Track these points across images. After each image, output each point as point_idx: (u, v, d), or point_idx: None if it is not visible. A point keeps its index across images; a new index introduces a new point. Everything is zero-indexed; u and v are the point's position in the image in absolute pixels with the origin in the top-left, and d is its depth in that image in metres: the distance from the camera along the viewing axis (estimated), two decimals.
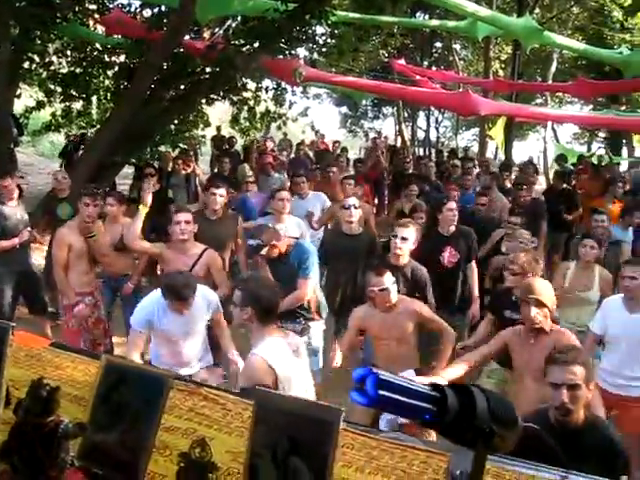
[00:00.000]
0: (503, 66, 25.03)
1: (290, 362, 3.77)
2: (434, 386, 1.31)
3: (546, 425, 3.09)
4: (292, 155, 16.07)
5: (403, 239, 5.76)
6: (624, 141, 24.08)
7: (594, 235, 6.91)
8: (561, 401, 3.04)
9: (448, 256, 6.74)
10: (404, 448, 1.79)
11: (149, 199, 5.97)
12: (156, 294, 4.81)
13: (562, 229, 10.02)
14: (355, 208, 6.60)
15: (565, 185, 10.92)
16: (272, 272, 5.92)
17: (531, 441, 2.61)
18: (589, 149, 27.97)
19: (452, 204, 6.93)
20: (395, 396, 1.23)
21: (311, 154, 16.70)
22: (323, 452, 1.49)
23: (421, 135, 30.43)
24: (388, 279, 4.91)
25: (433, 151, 23.76)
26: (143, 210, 5.91)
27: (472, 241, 6.91)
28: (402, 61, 17.90)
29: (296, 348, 3.94)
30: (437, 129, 32.98)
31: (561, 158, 15.19)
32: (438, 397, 1.28)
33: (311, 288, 5.61)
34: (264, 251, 5.50)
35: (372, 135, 28.69)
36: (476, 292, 6.82)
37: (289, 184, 9.22)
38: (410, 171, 13.57)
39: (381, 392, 1.21)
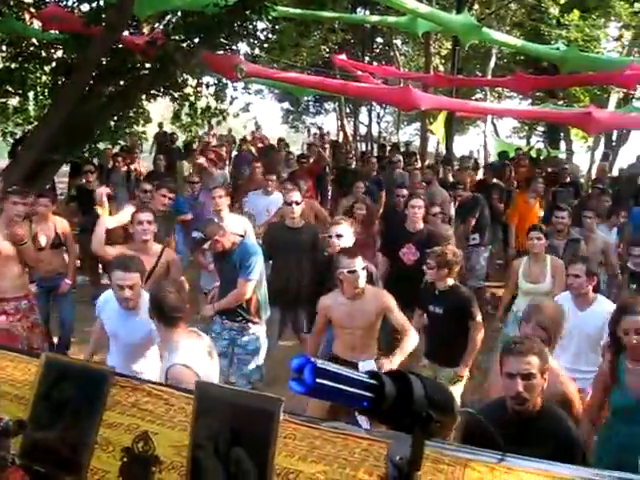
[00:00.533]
0: (443, 61, 25.28)
1: (207, 363, 3.79)
2: (372, 374, 1.33)
3: (503, 414, 3.17)
4: (234, 152, 16.02)
5: (338, 236, 5.81)
6: (562, 134, 24.59)
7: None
8: (516, 391, 3.10)
9: (407, 253, 6.77)
10: (345, 437, 1.81)
11: (105, 201, 5.92)
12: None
13: (495, 221, 10.17)
14: (297, 204, 6.63)
15: (495, 180, 11.09)
16: (217, 268, 5.94)
17: (471, 427, 2.68)
18: (528, 142, 28.49)
19: (416, 201, 6.94)
20: (333, 384, 1.25)
21: (253, 150, 16.66)
22: (264, 442, 1.51)
23: (363, 130, 30.54)
24: (359, 263, 4.93)
25: (375, 146, 23.82)
26: (105, 213, 5.85)
27: (438, 242, 6.81)
28: (343, 56, 17.94)
29: (210, 349, 3.94)
30: (379, 124, 33.11)
31: (502, 156, 15.43)
32: (376, 384, 1.31)
33: (251, 289, 5.59)
34: (207, 245, 5.49)
35: (314, 130, 28.77)
36: None
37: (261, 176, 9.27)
38: (353, 166, 13.65)
39: (319, 380, 1.23)
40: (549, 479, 1.62)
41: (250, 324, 5.66)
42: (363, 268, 4.96)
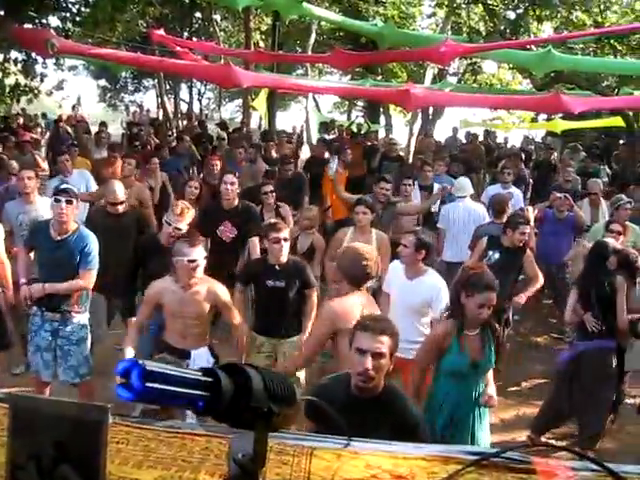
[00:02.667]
0: (264, 37, 25.25)
1: None
2: (206, 370, 1.23)
3: (345, 391, 3.18)
4: (48, 132, 15.17)
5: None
6: (381, 109, 25.35)
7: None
8: (365, 367, 3.09)
9: (225, 230, 6.72)
10: (182, 436, 1.70)
11: None
12: None
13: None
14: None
15: (328, 154, 11.30)
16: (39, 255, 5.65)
17: (314, 414, 2.66)
18: (349, 117, 29.15)
19: (228, 177, 6.93)
20: (164, 387, 1.13)
21: (70, 130, 15.85)
22: (93, 454, 1.36)
23: (184, 107, 29.99)
24: (200, 252, 4.83)
25: (196, 123, 23.41)
26: None
27: (254, 217, 6.93)
28: (161, 32, 17.39)
29: None
30: (200, 101, 32.74)
31: (324, 127, 15.67)
32: (211, 382, 1.21)
33: (94, 278, 5.40)
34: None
35: (133, 109, 27.87)
36: None
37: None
38: (174, 144, 13.36)
39: (148, 384, 1.10)
40: (396, 460, 1.59)
41: (72, 313, 5.41)
42: (205, 258, 4.89)
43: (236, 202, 6.91)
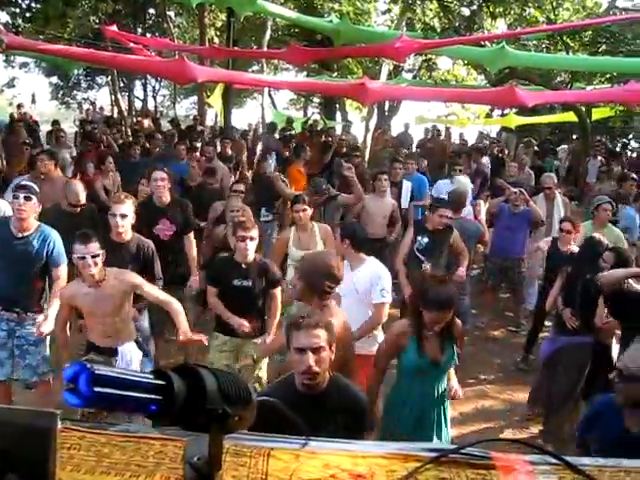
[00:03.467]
0: (218, 33, 25.10)
1: None
2: (158, 373, 1.19)
3: (292, 391, 3.15)
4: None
5: (122, 216, 5.54)
6: (337, 106, 25.35)
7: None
8: (308, 365, 3.08)
9: (162, 229, 6.58)
10: (137, 440, 1.65)
11: None
12: None
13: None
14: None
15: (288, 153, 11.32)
16: None
17: (269, 415, 2.63)
18: (305, 114, 29.11)
19: (157, 174, 6.69)
20: (114, 391, 1.09)
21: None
22: (42, 462, 1.32)
23: (139, 105, 29.65)
24: (94, 247, 4.66)
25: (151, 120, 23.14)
26: None
27: (188, 211, 6.79)
28: (114, 28, 17.15)
29: None
30: (155, 98, 32.38)
31: (271, 126, 15.67)
32: (163, 385, 1.17)
33: (66, 271, 5.36)
34: None
35: (86, 106, 27.45)
36: (194, 264, 6.74)
37: None
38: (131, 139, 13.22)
39: (98, 389, 1.06)
40: (355, 459, 1.57)
41: (29, 313, 5.32)
42: (94, 256, 4.67)
43: (169, 198, 6.72)
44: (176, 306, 4.85)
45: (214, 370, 1.27)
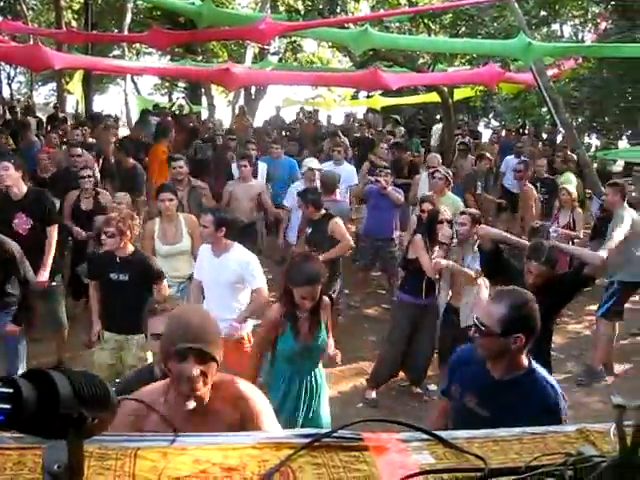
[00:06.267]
0: (76, 16, 24.15)
1: None
2: (4, 380, 1.10)
3: (154, 380, 3.05)
4: None
5: None
6: (203, 90, 25.01)
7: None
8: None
9: (20, 223, 6.20)
10: None
11: None
12: None
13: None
14: None
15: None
16: None
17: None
18: (170, 99, 28.55)
19: (1, 164, 6.14)
20: None
21: None
22: None
23: None
24: None
25: (6, 108, 21.94)
26: None
27: (47, 203, 6.34)
28: None
29: None
30: (10, 85, 30.86)
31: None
32: (10, 392, 1.08)
33: None
34: None
35: None
36: (48, 259, 6.23)
37: None
38: None
39: None
40: (226, 452, 1.52)
41: None
42: None
43: (24, 190, 6.23)
44: None
45: (69, 372, 1.20)
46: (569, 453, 1.52)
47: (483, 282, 5.98)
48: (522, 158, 11.30)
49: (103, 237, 5.40)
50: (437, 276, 6.30)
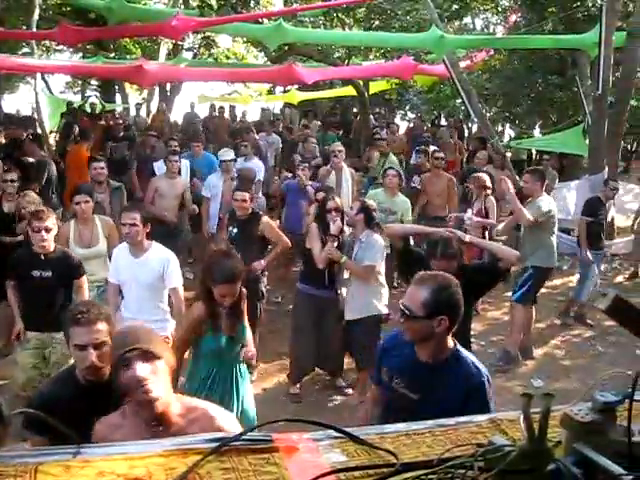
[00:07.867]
0: None
1: None
2: None
3: (76, 385, 3.10)
4: None
5: None
6: (117, 87, 24.50)
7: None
8: (90, 362, 3.01)
9: None
10: None
11: None
12: None
13: None
14: None
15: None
16: None
17: (36, 426, 2.51)
18: (83, 97, 27.83)
19: None
20: None
21: None
22: None
23: None
24: None
25: None
26: None
27: None
28: None
29: None
30: None
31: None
32: None
33: None
34: None
35: None
36: None
37: None
38: None
39: None
40: (132, 461, 1.47)
41: None
42: None
43: None
44: None
45: None
46: (480, 443, 1.52)
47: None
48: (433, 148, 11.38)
49: (42, 233, 5.23)
50: (323, 266, 6.25)
